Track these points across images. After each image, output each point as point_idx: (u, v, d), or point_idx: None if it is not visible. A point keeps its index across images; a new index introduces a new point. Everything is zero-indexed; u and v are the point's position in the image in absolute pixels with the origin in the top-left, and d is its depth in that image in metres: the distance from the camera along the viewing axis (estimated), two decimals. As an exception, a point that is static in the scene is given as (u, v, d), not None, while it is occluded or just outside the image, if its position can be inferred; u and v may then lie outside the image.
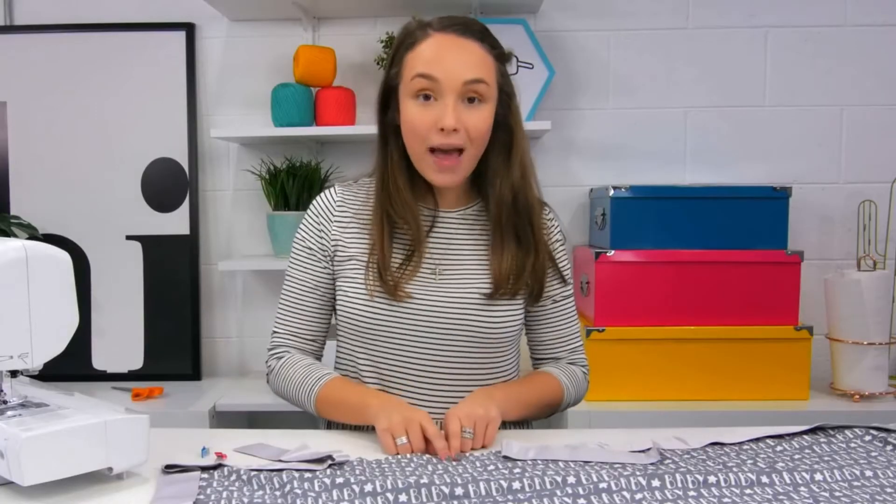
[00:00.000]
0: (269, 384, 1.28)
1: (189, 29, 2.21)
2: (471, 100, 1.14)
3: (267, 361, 1.28)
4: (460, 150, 1.15)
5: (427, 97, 1.13)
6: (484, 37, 1.16)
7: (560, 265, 1.28)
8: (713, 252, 1.93)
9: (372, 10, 2.17)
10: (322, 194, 1.29)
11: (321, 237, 1.25)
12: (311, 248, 1.25)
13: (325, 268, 1.25)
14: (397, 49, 1.19)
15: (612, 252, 1.93)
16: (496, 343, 1.22)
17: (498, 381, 1.24)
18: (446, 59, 1.12)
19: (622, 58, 2.22)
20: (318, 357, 1.30)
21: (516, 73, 2.07)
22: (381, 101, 1.22)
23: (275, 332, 1.28)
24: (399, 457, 1.02)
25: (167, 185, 2.22)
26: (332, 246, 1.24)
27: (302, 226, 1.27)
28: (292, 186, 2.10)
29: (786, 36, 2.20)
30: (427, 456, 1.03)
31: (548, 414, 1.27)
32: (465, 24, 1.16)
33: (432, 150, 1.15)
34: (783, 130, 2.22)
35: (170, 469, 0.98)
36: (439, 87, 1.12)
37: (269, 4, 2.09)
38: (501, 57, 1.19)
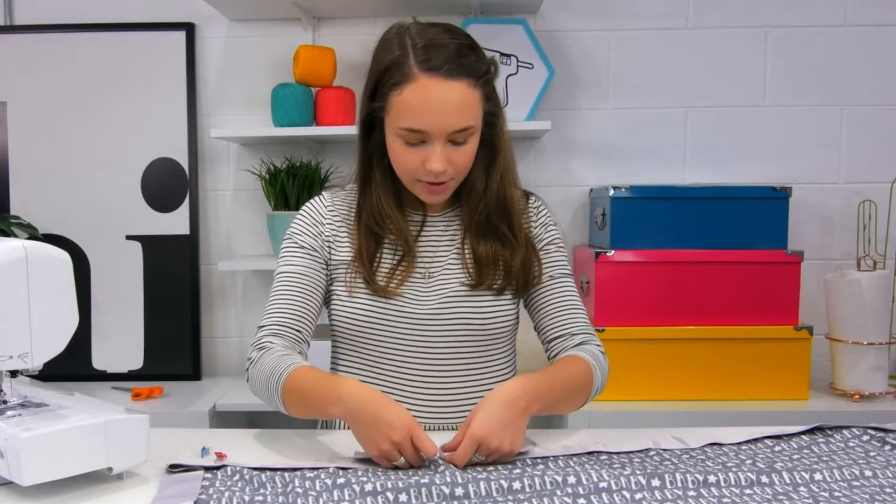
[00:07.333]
0: (249, 381, 1.19)
1: (189, 29, 2.21)
2: (457, 142, 1.14)
3: (248, 355, 1.19)
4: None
5: (414, 144, 1.13)
6: (472, 71, 1.11)
7: (555, 242, 1.29)
8: (713, 252, 1.93)
9: (372, 10, 2.17)
10: (312, 200, 1.29)
11: (315, 236, 1.24)
12: (303, 246, 1.24)
13: (319, 263, 1.23)
14: (380, 81, 1.13)
15: (612, 252, 1.93)
16: (487, 335, 1.22)
17: (494, 382, 1.23)
18: (433, 109, 1.09)
19: (622, 58, 2.22)
20: (303, 353, 1.22)
21: (516, 73, 2.08)
22: (364, 127, 1.20)
23: (261, 326, 1.20)
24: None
25: (167, 185, 2.22)
26: (327, 246, 1.24)
27: (294, 226, 1.26)
28: (292, 186, 2.10)
29: (786, 36, 2.20)
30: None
31: (582, 402, 1.20)
32: (453, 62, 1.09)
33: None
34: (783, 130, 2.22)
35: (174, 469, 0.98)
36: (426, 136, 1.12)
37: (269, 4, 2.09)
38: (490, 80, 1.16)
